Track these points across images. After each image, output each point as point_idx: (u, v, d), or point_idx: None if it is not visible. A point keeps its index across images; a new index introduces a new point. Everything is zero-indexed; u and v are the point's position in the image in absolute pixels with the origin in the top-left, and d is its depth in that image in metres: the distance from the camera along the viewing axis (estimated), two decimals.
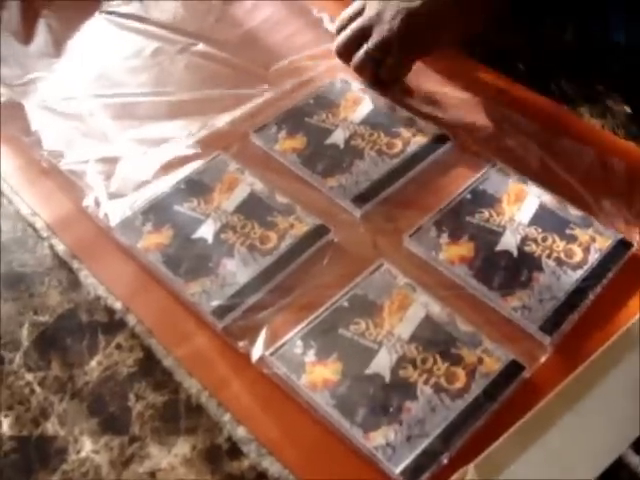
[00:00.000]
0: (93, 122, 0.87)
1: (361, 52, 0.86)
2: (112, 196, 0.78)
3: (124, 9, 1.01)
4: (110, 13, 1.00)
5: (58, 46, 0.97)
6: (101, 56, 0.96)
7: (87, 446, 0.62)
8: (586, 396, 0.58)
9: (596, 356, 0.61)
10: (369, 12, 0.86)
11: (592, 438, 0.57)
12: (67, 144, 0.84)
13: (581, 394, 0.59)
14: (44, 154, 0.83)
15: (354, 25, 0.87)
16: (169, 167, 0.80)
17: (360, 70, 0.88)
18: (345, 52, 0.88)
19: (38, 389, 0.66)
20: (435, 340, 0.65)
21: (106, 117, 0.87)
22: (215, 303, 0.68)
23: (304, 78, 0.90)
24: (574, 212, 0.74)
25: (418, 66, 0.88)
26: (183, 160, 0.81)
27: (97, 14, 1.00)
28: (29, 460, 0.62)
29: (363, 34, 0.86)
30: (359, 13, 0.88)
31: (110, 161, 0.81)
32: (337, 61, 0.90)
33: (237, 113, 0.86)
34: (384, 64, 0.86)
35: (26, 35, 0.97)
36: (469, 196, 0.75)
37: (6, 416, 0.65)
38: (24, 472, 0.61)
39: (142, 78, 0.93)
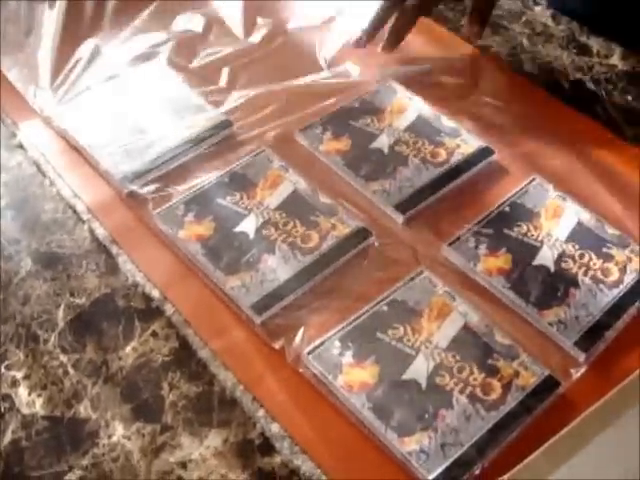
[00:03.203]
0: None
1: None
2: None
3: None
4: None
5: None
6: None
7: (119, 431, 0.63)
8: (622, 415, 0.59)
9: (633, 376, 0.61)
10: None
11: (626, 457, 0.57)
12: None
13: (617, 413, 0.59)
14: None
15: None
16: (212, 158, 0.81)
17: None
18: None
19: (72, 371, 0.66)
20: (472, 350, 0.65)
21: None
22: (254, 298, 0.68)
23: (351, 80, 0.90)
24: (612, 231, 0.74)
25: (466, 79, 0.89)
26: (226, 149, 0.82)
27: None
28: (60, 441, 0.62)
29: None
30: None
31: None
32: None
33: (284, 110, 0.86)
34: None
35: None
36: (508, 209, 0.76)
37: (39, 395, 0.65)
38: (55, 452, 0.62)
39: None
